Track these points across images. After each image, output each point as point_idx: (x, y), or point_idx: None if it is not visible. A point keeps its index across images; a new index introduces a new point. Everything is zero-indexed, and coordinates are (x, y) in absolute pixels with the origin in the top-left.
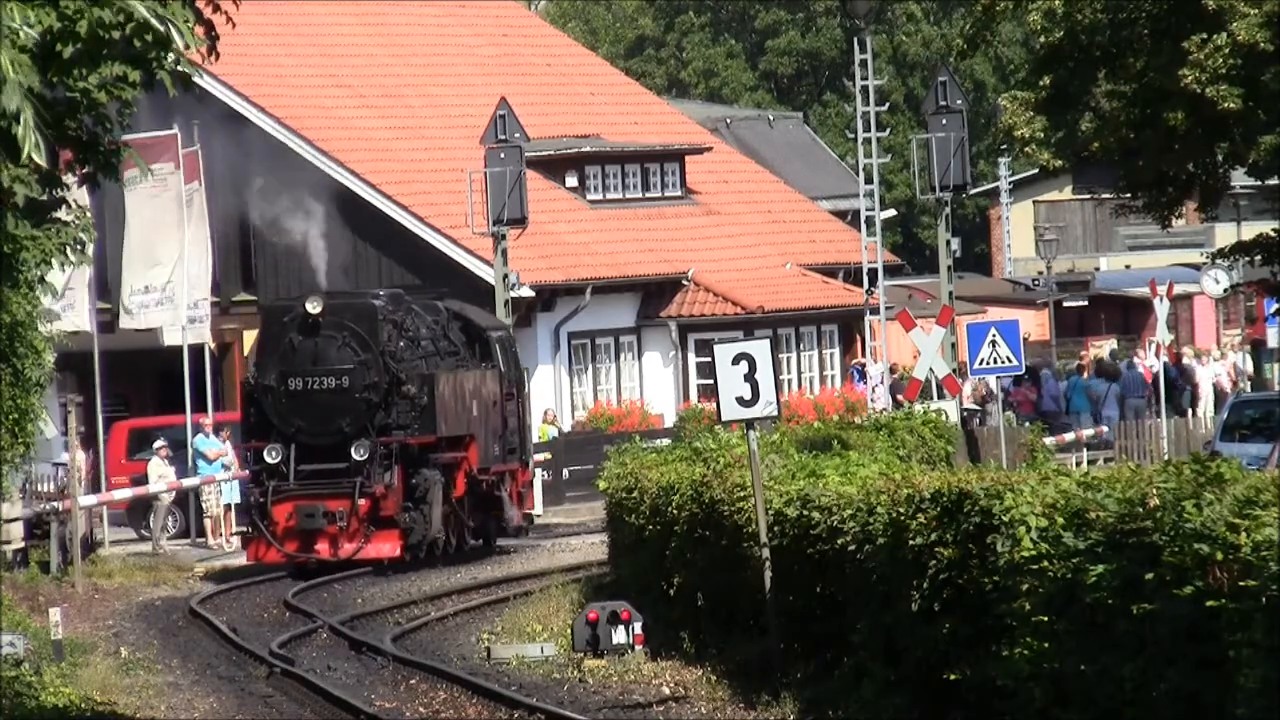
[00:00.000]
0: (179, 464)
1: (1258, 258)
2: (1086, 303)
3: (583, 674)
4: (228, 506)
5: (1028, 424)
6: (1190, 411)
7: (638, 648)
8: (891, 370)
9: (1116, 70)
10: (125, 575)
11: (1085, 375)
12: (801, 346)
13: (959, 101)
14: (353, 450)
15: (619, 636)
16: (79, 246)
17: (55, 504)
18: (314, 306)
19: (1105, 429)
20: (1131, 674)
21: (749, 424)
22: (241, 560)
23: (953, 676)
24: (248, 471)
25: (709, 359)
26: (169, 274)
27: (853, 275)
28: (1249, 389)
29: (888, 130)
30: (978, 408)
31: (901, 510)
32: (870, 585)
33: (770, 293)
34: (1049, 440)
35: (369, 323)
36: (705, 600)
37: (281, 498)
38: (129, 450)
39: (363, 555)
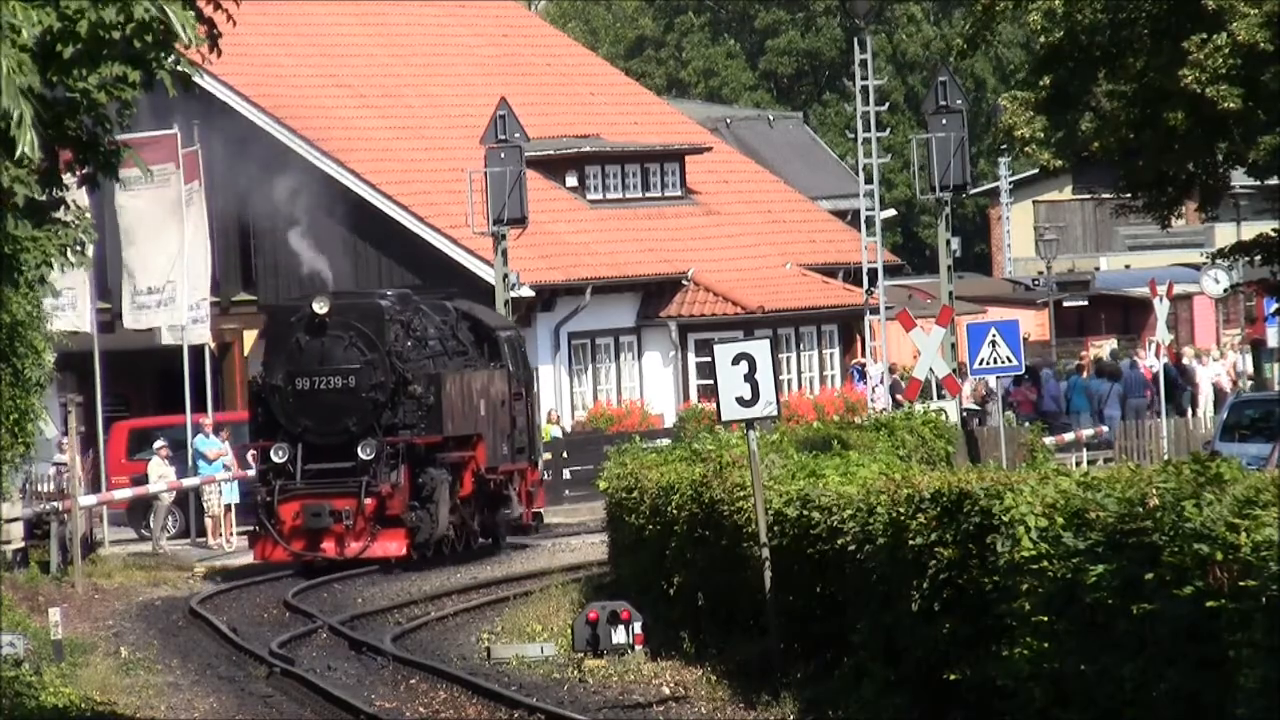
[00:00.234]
0: (179, 464)
1: (1258, 258)
2: (1086, 303)
3: (583, 674)
4: (228, 507)
5: (1028, 424)
6: (1190, 411)
7: (638, 648)
8: (891, 370)
9: (1116, 70)
10: (125, 575)
11: (1085, 375)
12: (801, 346)
13: (959, 101)
14: (359, 450)
15: (619, 636)
16: (79, 248)
17: (55, 504)
18: (321, 306)
19: (1105, 429)
20: (1131, 674)
21: (749, 424)
22: (241, 560)
23: (953, 676)
24: (247, 471)
25: (709, 359)
26: (169, 274)
27: (853, 275)
28: (1249, 389)
29: (888, 130)
30: (978, 408)
31: (901, 510)
32: (870, 585)
33: (770, 293)
34: (1049, 440)
35: (375, 323)
36: (705, 600)
37: (288, 497)
38: (129, 450)
39: (369, 554)
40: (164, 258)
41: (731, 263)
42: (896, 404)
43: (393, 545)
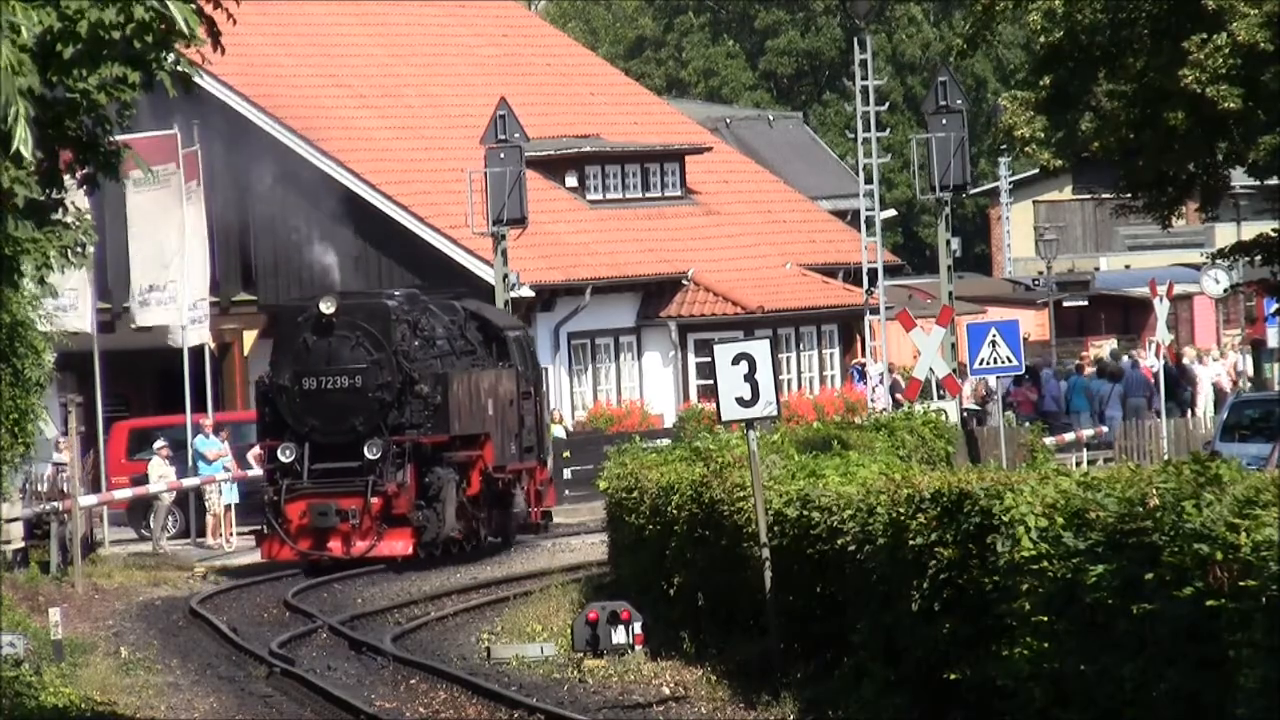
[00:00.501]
0: (179, 464)
1: (1258, 258)
2: (1086, 303)
3: (583, 674)
4: (228, 507)
5: (1028, 424)
6: (1189, 411)
7: (638, 648)
8: (890, 369)
9: (1116, 70)
10: (125, 575)
11: (1085, 375)
12: (801, 346)
13: (959, 101)
14: (365, 449)
15: (619, 636)
16: (80, 249)
17: (55, 504)
18: (328, 306)
19: (1105, 429)
20: (1131, 674)
21: (749, 424)
22: (241, 560)
23: (953, 676)
24: (246, 472)
25: (709, 359)
26: (170, 274)
27: (853, 275)
28: (1249, 389)
29: (887, 130)
30: (978, 408)
31: (901, 510)
32: (870, 585)
33: (770, 293)
34: (1049, 440)
35: (382, 323)
36: (705, 600)
37: (295, 496)
38: (129, 450)
39: (375, 553)
40: (164, 257)
41: (731, 263)
42: (896, 404)
43: (399, 544)
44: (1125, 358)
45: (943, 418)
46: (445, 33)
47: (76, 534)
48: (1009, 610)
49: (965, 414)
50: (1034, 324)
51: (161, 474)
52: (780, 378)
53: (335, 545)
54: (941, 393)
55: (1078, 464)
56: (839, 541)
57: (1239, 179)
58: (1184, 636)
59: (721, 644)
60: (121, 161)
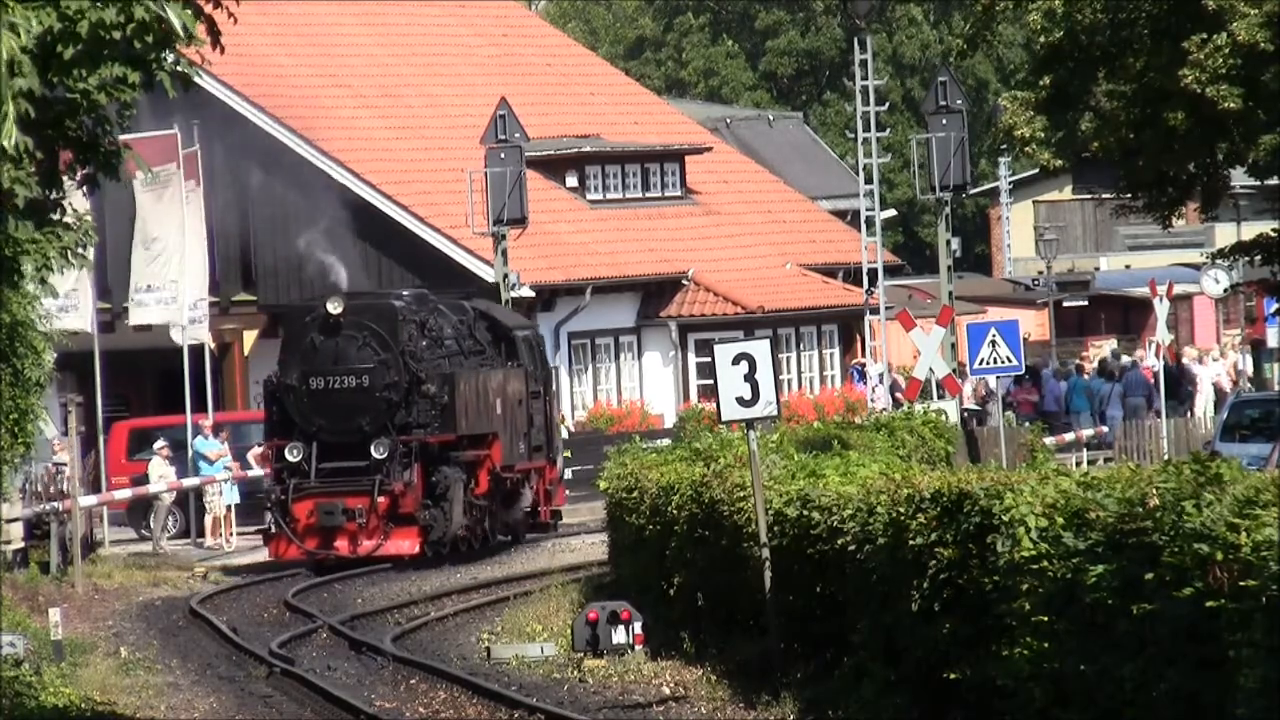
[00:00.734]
0: (179, 464)
1: (1258, 258)
2: (1086, 303)
3: (583, 674)
4: (228, 508)
5: (1028, 424)
6: (1189, 411)
7: (638, 648)
8: (889, 369)
9: (1116, 70)
10: (125, 575)
11: (1085, 375)
12: (801, 346)
13: (959, 101)
14: (372, 448)
15: (619, 636)
16: (80, 249)
17: (55, 504)
18: (335, 307)
19: (1105, 429)
20: (1131, 674)
21: (749, 424)
22: (241, 560)
23: (953, 676)
24: (246, 472)
25: (709, 359)
26: (170, 274)
27: (853, 275)
28: (1249, 389)
29: (887, 130)
30: (979, 408)
31: (901, 510)
32: (870, 585)
33: (770, 293)
34: (1049, 440)
35: (389, 323)
36: (705, 600)
37: (302, 495)
38: (129, 450)
39: (382, 552)
40: (165, 258)
41: (731, 263)
42: (896, 404)
43: (405, 543)
44: (1125, 358)
45: (943, 418)
46: (445, 33)
47: (76, 534)
48: (1009, 610)
49: (965, 414)
50: (1034, 324)
51: (161, 474)
52: (780, 378)
53: (342, 544)
54: (941, 393)
55: (1078, 464)
56: (839, 541)
57: (1239, 179)
58: (1184, 636)
59: (721, 644)
60: (122, 162)
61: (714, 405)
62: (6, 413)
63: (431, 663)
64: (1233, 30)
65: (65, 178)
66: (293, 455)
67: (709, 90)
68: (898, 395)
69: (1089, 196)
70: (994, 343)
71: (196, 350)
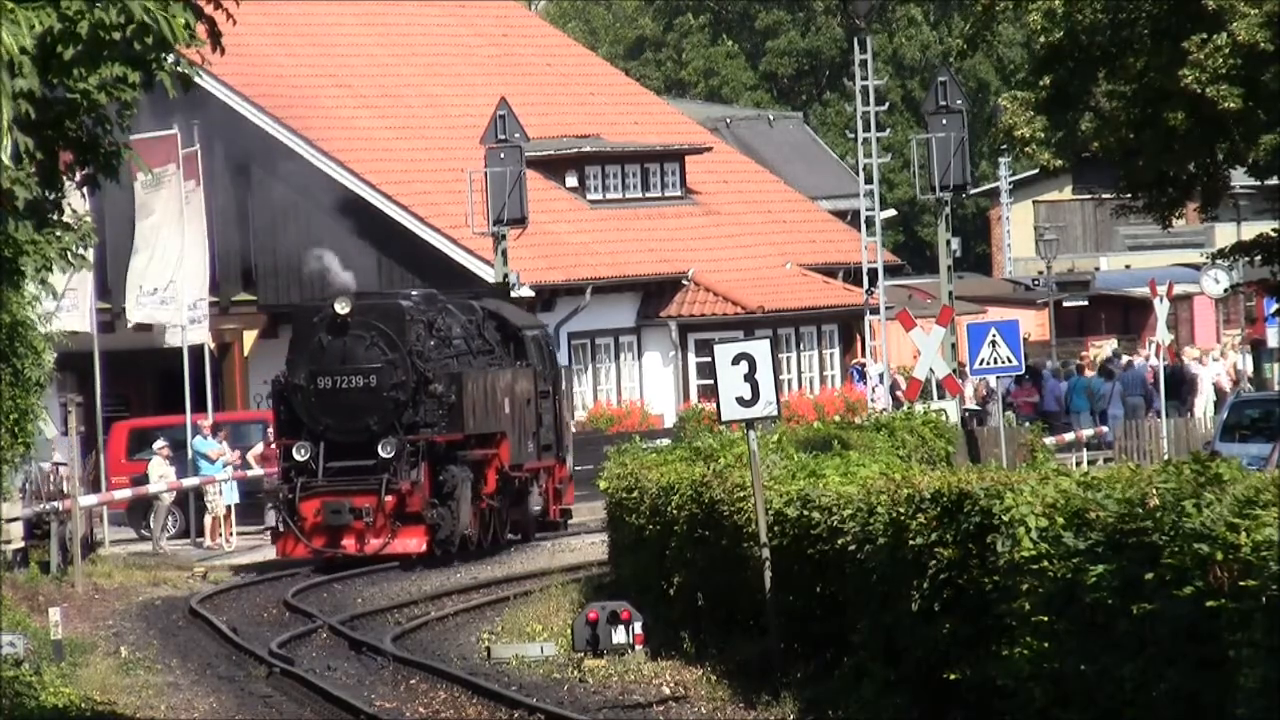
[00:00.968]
0: (179, 464)
1: (1258, 258)
2: (1086, 303)
3: (583, 674)
4: (228, 508)
5: (1028, 424)
6: (1189, 411)
7: (638, 648)
8: (888, 369)
9: (1116, 70)
10: (125, 575)
11: (1086, 375)
12: (801, 346)
13: (959, 101)
14: (379, 448)
15: (619, 636)
16: (80, 249)
17: (55, 504)
18: (343, 307)
19: (1106, 429)
20: (1131, 674)
21: (749, 424)
22: (241, 560)
23: (953, 676)
24: (245, 472)
25: (709, 359)
26: (170, 274)
27: (853, 275)
28: (1249, 389)
29: (887, 130)
30: (979, 408)
31: (901, 510)
32: (870, 585)
33: (770, 293)
34: (1049, 440)
35: (397, 323)
36: (705, 600)
37: (310, 494)
38: (129, 450)
39: (389, 551)
40: (166, 258)
41: (731, 263)
42: (897, 403)
43: (412, 542)
44: (1124, 357)
45: (943, 418)
46: (445, 33)
47: (76, 534)
48: (1009, 610)
49: (965, 414)
50: (1034, 324)
51: (161, 474)
52: (780, 378)
53: (350, 543)
54: (942, 393)
55: (1078, 464)
56: (839, 541)
57: (1239, 179)
58: (1184, 636)
59: (721, 644)
60: (122, 162)
61: (714, 405)
62: (6, 413)
63: (431, 663)
64: (1233, 30)
65: (65, 178)
66: (300, 454)
67: (709, 90)
68: (898, 394)
69: (1089, 196)
70: (994, 343)
71: (196, 350)
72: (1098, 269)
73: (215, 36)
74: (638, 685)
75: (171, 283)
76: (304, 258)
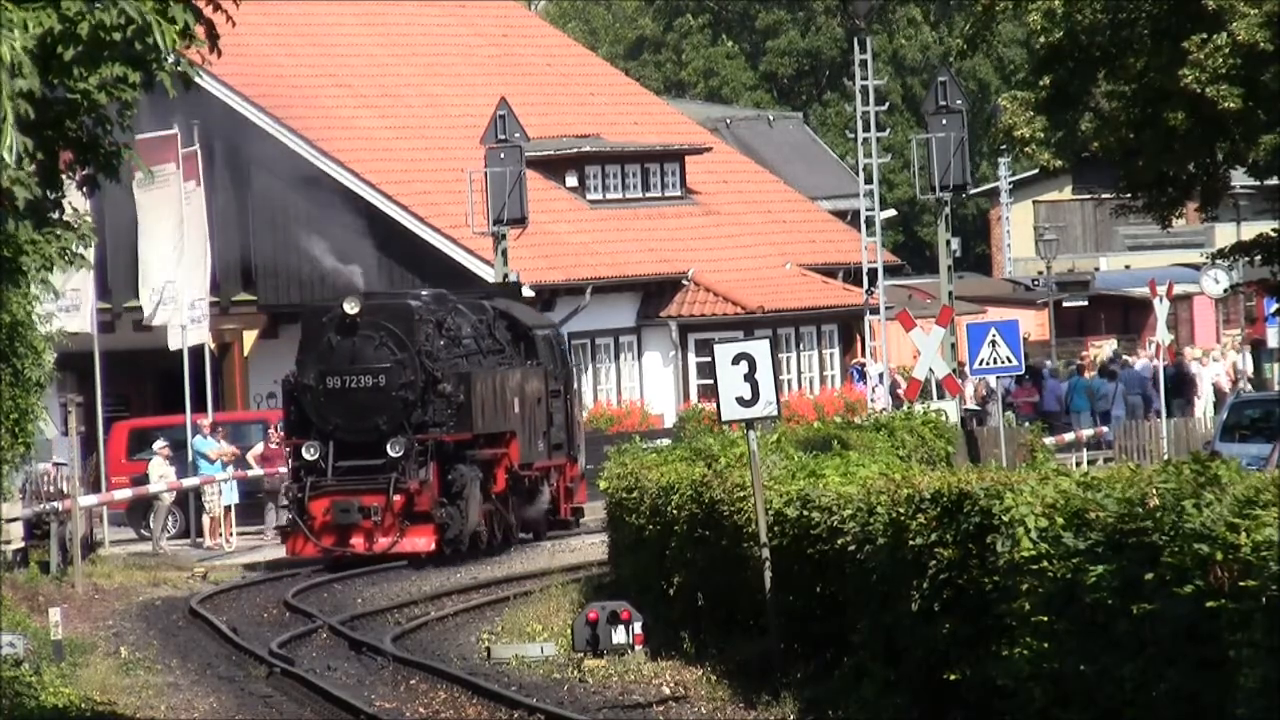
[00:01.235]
0: (179, 464)
1: (1258, 258)
2: (1086, 303)
3: (583, 674)
4: (227, 508)
5: (1028, 424)
6: (1189, 411)
7: (638, 648)
8: (889, 370)
9: (1116, 70)
10: (125, 575)
11: (1086, 375)
12: (801, 346)
13: (959, 101)
14: (388, 447)
15: (619, 636)
16: (80, 249)
17: (55, 504)
18: (352, 307)
19: (1106, 429)
20: (1131, 674)
21: (749, 424)
22: (240, 560)
23: (953, 676)
24: (245, 472)
25: (709, 359)
26: (171, 274)
27: (853, 275)
28: (1249, 389)
29: (887, 130)
30: (979, 408)
31: (901, 510)
32: (870, 585)
33: (770, 293)
34: (1049, 440)
35: (406, 323)
36: (705, 600)
37: (319, 493)
38: (129, 450)
39: (398, 549)
40: (166, 258)
41: (731, 263)
42: (896, 403)
43: (421, 541)
44: (1124, 357)
45: (943, 418)
46: (445, 33)
47: (76, 534)
48: (1009, 610)
49: (965, 414)
50: (1034, 324)
51: (162, 474)
52: (780, 378)
53: (358, 542)
54: (941, 393)
55: (1078, 464)
56: (839, 541)
57: (1239, 179)
58: (1184, 636)
59: (721, 644)
60: (122, 162)
61: (714, 405)
62: (6, 413)
63: (431, 663)
64: (1233, 30)
65: (65, 178)
66: (309, 454)
67: (709, 90)
68: (898, 394)
69: (1089, 196)
70: (994, 343)
71: (196, 350)
72: (1098, 269)
73: (213, 39)
74: (638, 685)
75: (171, 283)
76: (304, 258)
